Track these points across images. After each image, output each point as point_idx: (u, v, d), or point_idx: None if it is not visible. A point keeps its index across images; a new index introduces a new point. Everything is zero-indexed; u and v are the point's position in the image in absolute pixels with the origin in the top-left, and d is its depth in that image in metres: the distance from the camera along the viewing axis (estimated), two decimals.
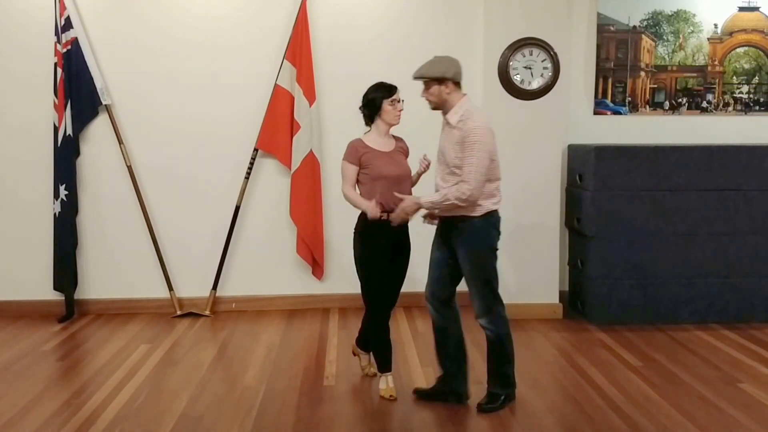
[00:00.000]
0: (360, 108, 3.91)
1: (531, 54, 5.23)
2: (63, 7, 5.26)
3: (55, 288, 5.51)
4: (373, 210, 3.72)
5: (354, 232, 3.91)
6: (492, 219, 3.70)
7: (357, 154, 3.81)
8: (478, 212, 3.63)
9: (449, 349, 3.88)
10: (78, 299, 5.57)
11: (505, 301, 5.34)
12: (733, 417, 3.63)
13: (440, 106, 3.67)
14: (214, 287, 5.60)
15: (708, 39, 5.69)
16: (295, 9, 5.38)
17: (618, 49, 5.66)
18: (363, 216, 3.84)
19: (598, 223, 5.18)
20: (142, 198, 5.50)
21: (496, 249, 3.76)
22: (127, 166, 5.46)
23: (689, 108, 5.76)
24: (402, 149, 3.98)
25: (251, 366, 4.44)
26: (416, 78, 3.66)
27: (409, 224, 3.90)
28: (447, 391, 3.88)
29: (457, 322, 3.89)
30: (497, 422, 3.59)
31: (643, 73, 5.70)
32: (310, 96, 5.39)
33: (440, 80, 3.57)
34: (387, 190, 3.76)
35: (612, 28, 5.63)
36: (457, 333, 3.88)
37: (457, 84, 3.62)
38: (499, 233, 3.75)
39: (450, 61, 3.63)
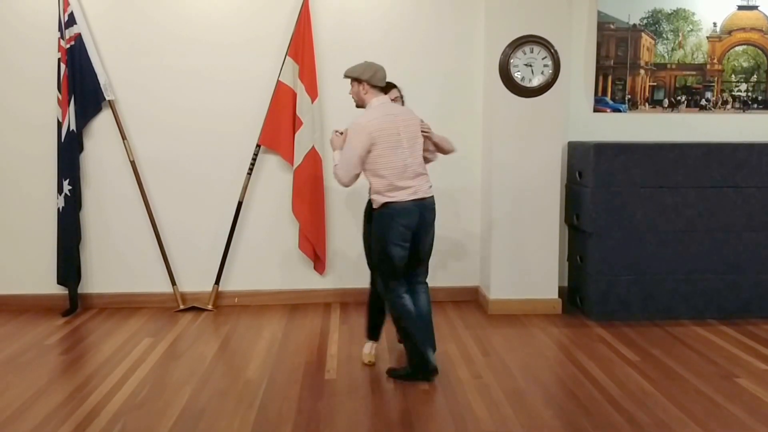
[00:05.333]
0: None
1: (532, 51, 5.27)
2: (66, 3, 5.28)
3: (59, 282, 5.55)
4: None
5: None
6: (388, 210, 4.03)
7: None
8: (376, 204, 4.08)
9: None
10: (81, 293, 5.61)
11: (504, 297, 5.46)
12: (730, 411, 3.67)
13: (359, 104, 4.14)
14: (217, 282, 5.64)
15: (707, 37, 5.72)
16: (298, 5, 5.41)
17: (618, 47, 5.69)
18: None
19: (598, 220, 5.22)
20: (145, 193, 5.54)
21: (392, 239, 4.02)
22: (131, 162, 5.50)
23: (688, 106, 5.79)
24: None
25: (253, 360, 4.49)
26: (344, 77, 4.11)
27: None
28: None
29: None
30: (496, 416, 3.63)
31: (642, 71, 5.74)
32: (313, 92, 5.42)
33: (358, 80, 4.05)
34: None
35: (612, 26, 5.66)
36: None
37: (375, 87, 4.05)
38: (400, 224, 4.01)
39: (369, 66, 4.06)
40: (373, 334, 4.46)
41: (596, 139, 5.61)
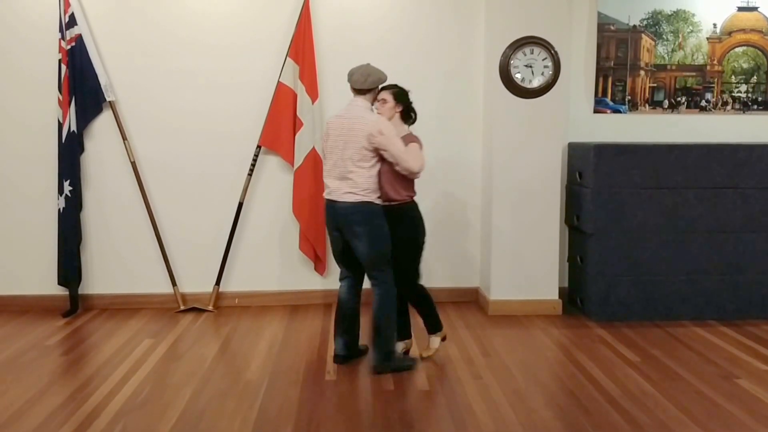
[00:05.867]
0: None
1: (532, 53, 5.27)
2: (67, 4, 5.29)
3: (60, 283, 5.55)
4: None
5: (409, 213, 4.30)
6: None
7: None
8: None
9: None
10: (82, 294, 5.62)
11: (504, 298, 5.46)
12: (730, 412, 3.68)
13: None
14: (218, 283, 5.65)
15: (707, 38, 5.73)
16: (298, 6, 5.41)
17: (618, 48, 5.69)
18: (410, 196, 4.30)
19: (598, 221, 5.22)
20: (146, 194, 5.55)
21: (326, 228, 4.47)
22: (131, 162, 5.51)
23: (688, 107, 5.80)
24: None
25: (254, 360, 4.49)
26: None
27: None
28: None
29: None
30: (497, 417, 3.63)
31: (642, 72, 5.74)
32: (313, 93, 5.43)
33: None
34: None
35: (612, 28, 5.67)
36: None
37: (353, 89, 4.27)
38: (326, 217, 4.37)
39: (353, 68, 4.30)
40: (401, 333, 4.51)
41: (596, 140, 5.62)
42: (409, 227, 4.28)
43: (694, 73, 5.78)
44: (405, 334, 4.53)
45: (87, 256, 5.64)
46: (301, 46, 5.39)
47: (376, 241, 4.17)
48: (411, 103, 4.34)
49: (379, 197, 4.20)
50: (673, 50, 5.73)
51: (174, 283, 5.63)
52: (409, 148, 4.14)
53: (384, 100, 4.27)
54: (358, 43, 5.54)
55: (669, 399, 3.84)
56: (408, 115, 4.34)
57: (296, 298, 5.77)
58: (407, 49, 5.60)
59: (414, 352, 4.57)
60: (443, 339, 4.57)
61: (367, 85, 4.20)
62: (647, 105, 5.78)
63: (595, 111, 5.75)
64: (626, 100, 5.75)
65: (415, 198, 4.33)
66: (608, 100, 5.74)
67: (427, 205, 5.71)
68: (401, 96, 4.29)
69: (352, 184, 4.13)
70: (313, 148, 5.45)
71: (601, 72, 5.72)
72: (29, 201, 5.58)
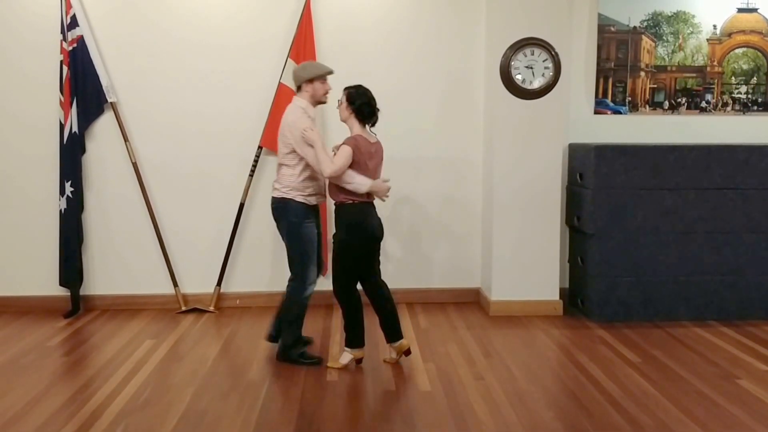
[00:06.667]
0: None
1: (532, 54, 5.28)
2: (69, 6, 5.30)
3: (61, 284, 5.56)
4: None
5: (343, 215, 4.27)
6: None
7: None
8: None
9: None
10: (83, 295, 5.62)
11: (505, 298, 5.46)
12: (731, 412, 3.68)
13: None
14: (219, 283, 5.65)
15: (707, 40, 5.73)
16: (299, 7, 5.42)
17: (618, 49, 5.70)
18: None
19: (598, 221, 5.23)
20: (147, 195, 5.55)
21: None
22: (132, 164, 5.52)
23: (688, 108, 5.81)
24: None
25: (255, 361, 4.49)
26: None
27: None
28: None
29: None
30: (498, 418, 3.64)
31: (643, 73, 5.75)
32: None
33: None
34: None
35: (612, 29, 5.68)
36: None
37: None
38: None
39: None
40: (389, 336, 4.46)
41: (597, 141, 5.62)
42: (342, 230, 4.27)
43: (694, 75, 5.78)
44: (393, 336, 4.41)
45: (88, 257, 5.64)
46: (302, 47, 5.40)
47: (290, 238, 4.35)
48: (367, 104, 4.20)
49: (308, 196, 4.32)
50: (673, 51, 5.74)
51: (175, 284, 5.63)
52: (340, 150, 4.15)
53: (340, 101, 4.29)
54: (358, 44, 5.55)
55: (669, 399, 3.85)
56: (363, 115, 4.22)
57: None
58: (408, 50, 5.62)
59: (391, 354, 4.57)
60: (357, 361, 4.38)
61: (295, 83, 4.41)
62: (647, 106, 5.79)
63: (596, 112, 5.76)
64: (626, 101, 5.76)
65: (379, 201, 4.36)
66: (608, 101, 5.75)
67: (428, 205, 5.74)
68: (352, 97, 4.21)
69: (278, 180, 4.35)
70: None
71: (602, 73, 5.72)
72: (30, 202, 5.59)
